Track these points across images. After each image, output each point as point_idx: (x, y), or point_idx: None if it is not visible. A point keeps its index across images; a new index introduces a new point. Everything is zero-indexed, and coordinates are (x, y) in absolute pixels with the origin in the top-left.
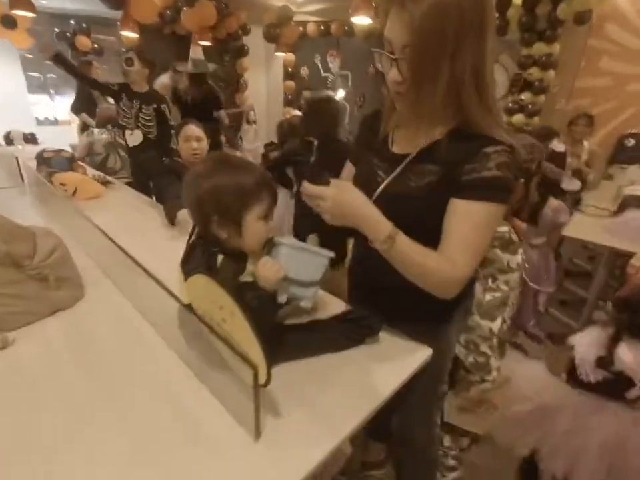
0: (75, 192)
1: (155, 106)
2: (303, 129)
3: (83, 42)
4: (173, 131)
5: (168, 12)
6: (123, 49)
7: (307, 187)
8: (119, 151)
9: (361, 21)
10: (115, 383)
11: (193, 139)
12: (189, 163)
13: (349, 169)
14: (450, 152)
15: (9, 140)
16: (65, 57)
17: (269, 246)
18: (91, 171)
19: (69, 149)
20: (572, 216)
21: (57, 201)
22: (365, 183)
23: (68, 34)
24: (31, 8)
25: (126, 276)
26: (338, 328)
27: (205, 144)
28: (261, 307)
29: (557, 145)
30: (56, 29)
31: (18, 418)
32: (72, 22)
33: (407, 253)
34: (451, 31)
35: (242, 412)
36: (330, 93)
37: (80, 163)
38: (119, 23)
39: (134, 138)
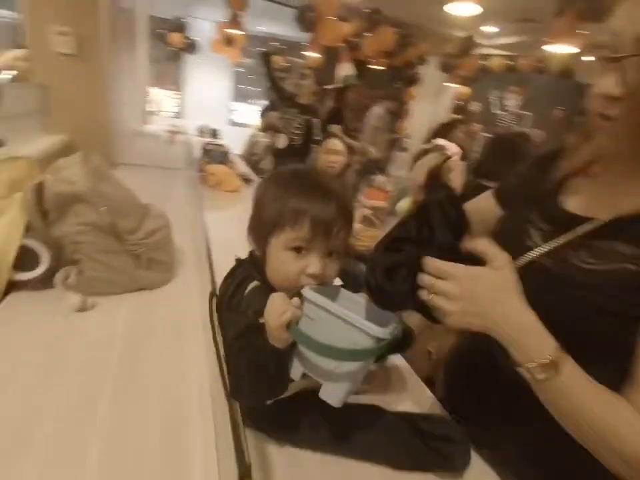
0: (218, 182)
1: (307, 117)
2: (483, 169)
3: (277, 61)
4: (313, 146)
5: (355, 39)
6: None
7: (432, 261)
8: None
9: (560, 49)
10: (140, 389)
11: (331, 152)
12: None
13: (484, 201)
14: None
15: (201, 133)
16: (270, 59)
17: (296, 291)
18: (241, 167)
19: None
20: None
21: (202, 189)
22: (506, 243)
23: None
24: (240, 27)
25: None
26: (398, 432)
27: (341, 158)
28: (251, 367)
29: None
30: (258, 49)
31: (51, 381)
32: (271, 43)
33: (578, 394)
34: None
35: None
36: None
37: (234, 159)
38: (306, 45)
39: (281, 141)
